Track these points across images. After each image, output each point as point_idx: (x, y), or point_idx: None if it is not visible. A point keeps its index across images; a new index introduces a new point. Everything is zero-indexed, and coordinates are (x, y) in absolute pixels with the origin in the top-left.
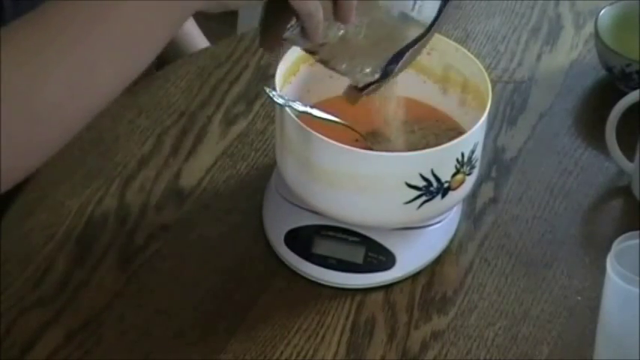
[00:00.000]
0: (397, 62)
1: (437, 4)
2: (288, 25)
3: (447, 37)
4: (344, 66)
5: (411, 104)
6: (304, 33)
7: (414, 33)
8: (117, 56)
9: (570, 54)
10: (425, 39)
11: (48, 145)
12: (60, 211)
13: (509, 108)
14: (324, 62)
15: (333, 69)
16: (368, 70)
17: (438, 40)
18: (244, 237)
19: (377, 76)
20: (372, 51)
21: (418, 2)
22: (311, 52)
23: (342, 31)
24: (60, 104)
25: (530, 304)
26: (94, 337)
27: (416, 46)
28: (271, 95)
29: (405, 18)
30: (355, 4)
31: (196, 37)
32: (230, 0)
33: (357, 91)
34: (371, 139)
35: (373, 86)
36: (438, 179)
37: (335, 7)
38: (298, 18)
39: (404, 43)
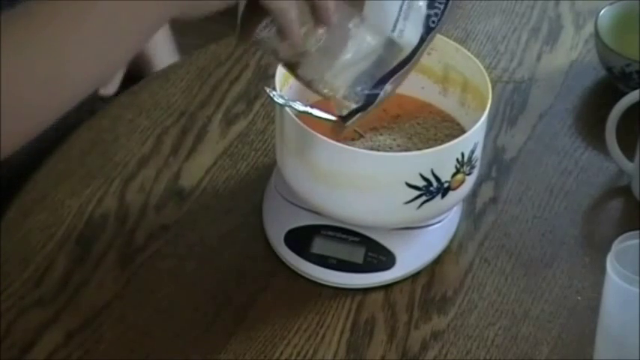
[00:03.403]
0: (380, 89)
1: (418, 28)
2: (264, 24)
3: (447, 37)
4: (326, 90)
5: (411, 103)
6: (280, 34)
7: (398, 60)
8: (89, 58)
9: (570, 54)
10: (410, 64)
11: (15, 136)
12: (60, 211)
13: (509, 108)
14: (308, 83)
15: (316, 91)
16: (348, 94)
17: (438, 40)
18: (244, 237)
19: (359, 103)
20: (355, 76)
21: (399, 25)
22: (290, 66)
23: (320, 42)
24: (30, 101)
25: (530, 304)
26: (94, 337)
27: (399, 74)
28: (271, 95)
29: (390, 44)
30: (333, 5)
31: (165, 51)
32: (205, 2)
33: (341, 122)
34: (370, 138)
35: (357, 116)
36: (438, 179)
37: (312, 9)
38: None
39: (387, 70)
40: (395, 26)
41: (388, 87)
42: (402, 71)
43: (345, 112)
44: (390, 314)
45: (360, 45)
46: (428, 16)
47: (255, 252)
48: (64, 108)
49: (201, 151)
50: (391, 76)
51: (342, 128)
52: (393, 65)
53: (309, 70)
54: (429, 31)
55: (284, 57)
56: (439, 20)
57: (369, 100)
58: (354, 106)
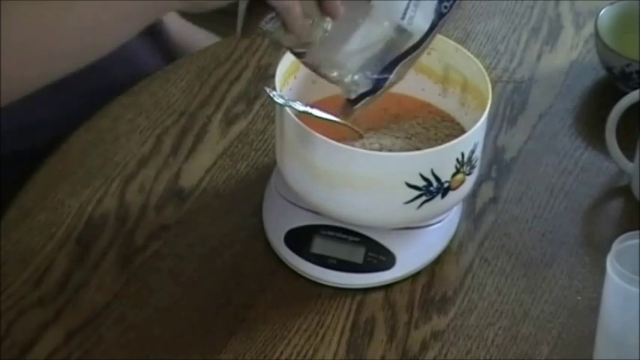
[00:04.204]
0: (390, 73)
1: (428, 14)
2: (268, 17)
3: (447, 37)
4: (334, 74)
5: (411, 103)
6: (285, 27)
7: (408, 45)
8: (86, 33)
9: (570, 54)
10: (420, 49)
11: (20, 81)
12: (60, 211)
13: (509, 108)
14: (315, 68)
15: (324, 76)
16: (357, 78)
17: (438, 40)
18: (244, 237)
19: (368, 87)
20: (364, 60)
21: (409, 12)
22: (297, 53)
23: (327, 32)
24: (34, 43)
25: (530, 304)
26: (94, 337)
27: (408, 58)
28: (271, 95)
29: (400, 30)
30: None
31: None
32: (207, 0)
33: (350, 105)
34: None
35: (365, 99)
36: (438, 179)
37: (319, 1)
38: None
39: (397, 54)
40: (405, 14)
41: (397, 71)
42: (412, 56)
43: (353, 96)
44: (390, 314)
45: (368, 35)
46: (440, 1)
47: (255, 252)
48: (69, 54)
49: (201, 151)
50: (400, 61)
51: (351, 111)
52: (403, 50)
53: (316, 57)
54: (440, 16)
55: (290, 46)
56: (451, 6)
57: (378, 85)
58: (362, 90)
